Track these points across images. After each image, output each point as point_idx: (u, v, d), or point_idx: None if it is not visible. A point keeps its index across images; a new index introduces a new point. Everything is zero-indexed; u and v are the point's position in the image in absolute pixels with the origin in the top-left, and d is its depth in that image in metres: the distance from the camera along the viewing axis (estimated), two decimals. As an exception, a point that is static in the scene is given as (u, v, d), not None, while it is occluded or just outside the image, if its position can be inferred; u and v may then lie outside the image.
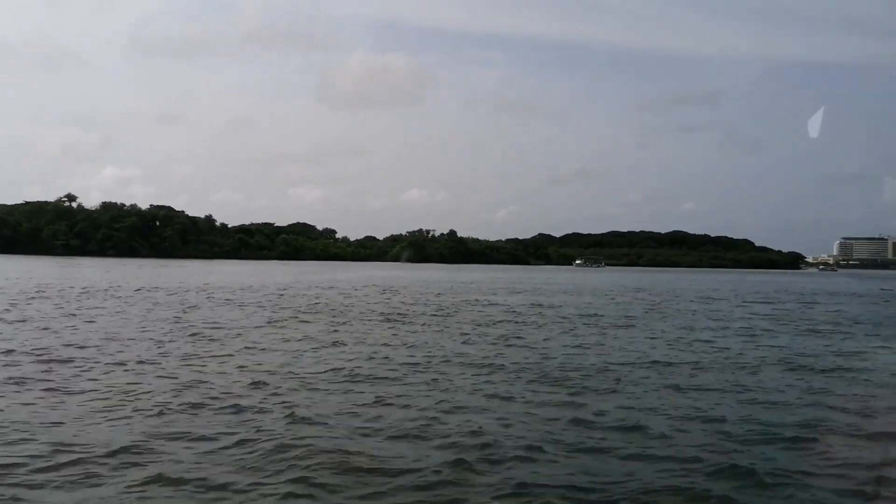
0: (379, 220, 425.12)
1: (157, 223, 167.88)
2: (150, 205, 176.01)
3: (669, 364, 16.79)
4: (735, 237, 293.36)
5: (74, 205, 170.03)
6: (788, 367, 16.81)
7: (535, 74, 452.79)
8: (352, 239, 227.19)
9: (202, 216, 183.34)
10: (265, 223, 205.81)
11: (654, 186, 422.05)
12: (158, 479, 7.74)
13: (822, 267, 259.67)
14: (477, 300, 41.01)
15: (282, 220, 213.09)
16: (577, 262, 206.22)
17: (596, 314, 32.29)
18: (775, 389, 13.85)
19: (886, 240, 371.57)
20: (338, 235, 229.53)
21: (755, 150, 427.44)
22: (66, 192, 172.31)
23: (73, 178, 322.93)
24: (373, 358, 16.78)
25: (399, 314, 29.78)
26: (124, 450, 8.69)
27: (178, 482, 7.69)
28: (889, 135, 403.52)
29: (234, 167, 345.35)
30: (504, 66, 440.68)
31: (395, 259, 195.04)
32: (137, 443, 8.99)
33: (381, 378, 14.10)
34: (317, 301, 36.40)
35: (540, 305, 37.87)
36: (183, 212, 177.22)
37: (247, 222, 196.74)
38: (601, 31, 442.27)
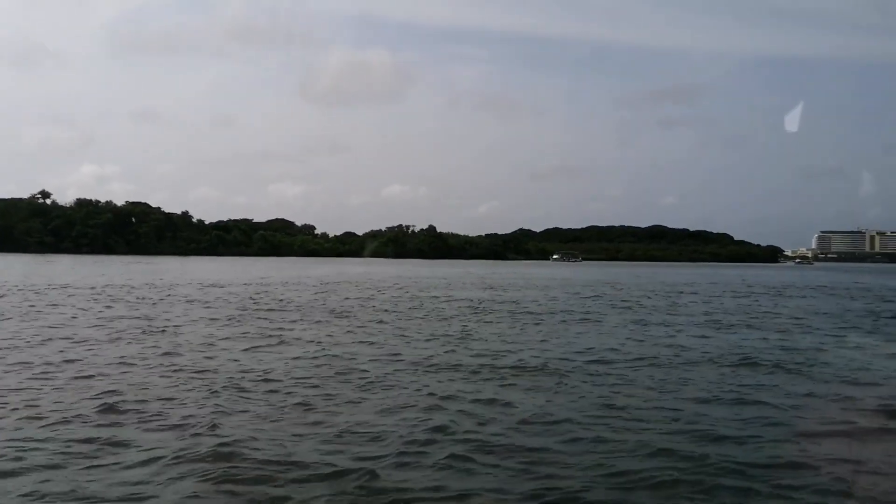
0: (360, 217, 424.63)
1: (133, 220, 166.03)
2: (126, 201, 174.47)
3: (617, 361, 16.39)
4: (714, 231, 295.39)
5: (49, 202, 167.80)
6: (736, 364, 16.41)
7: (516, 71, 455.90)
8: (332, 235, 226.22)
9: (179, 212, 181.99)
10: (243, 219, 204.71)
11: (634, 181, 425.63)
12: (33, 494, 7.23)
13: (798, 260, 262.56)
14: (443, 296, 40.61)
15: (262, 217, 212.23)
16: (555, 256, 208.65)
17: (556, 310, 31.98)
18: (719, 386, 13.50)
19: (864, 233, 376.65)
20: (318, 231, 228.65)
21: (734, 144, 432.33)
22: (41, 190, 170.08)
23: (51, 176, 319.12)
24: (315, 358, 16.23)
25: (357, 310, 29.35)
26: (4, 460, 8.17)
27: (54, 496, 7.17)
28: (866, 130, 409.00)
29: (214, 164, 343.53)
30: (485, 62, 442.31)
31: (375, 255, 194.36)
32: (20, 454, 8.42)
33: (320, 378, 13.58)
34: (279, 298, 35.84)
35: (505, 301, 37.53)
36: (159, 208, 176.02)
37: (225, 219, 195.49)
38: (581, 28, 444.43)
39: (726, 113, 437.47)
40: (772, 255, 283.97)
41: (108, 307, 28.29)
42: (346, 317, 26.59)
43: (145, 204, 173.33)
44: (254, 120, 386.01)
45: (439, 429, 9.92)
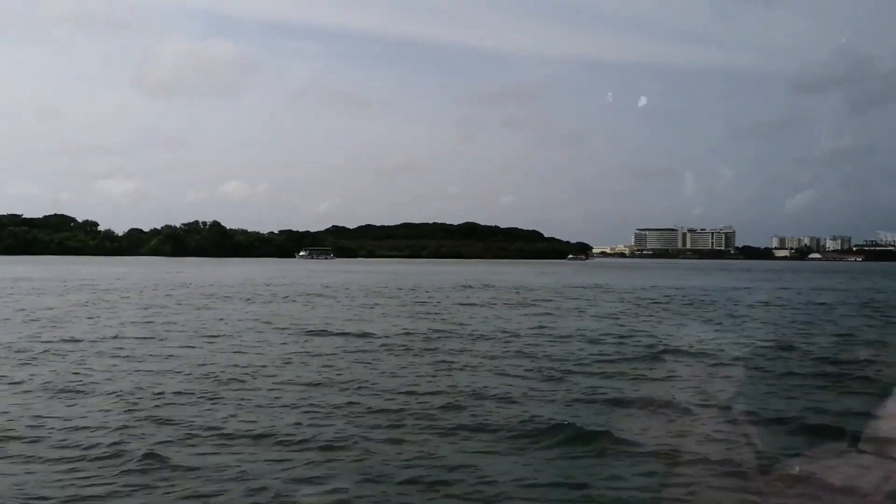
0: (191, 213, 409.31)
1: None
2: None
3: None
4: (525, 228, 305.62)
5: None
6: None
7: (359, 68, 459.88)
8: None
9: None
10: (11, 215, 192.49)
11: (474, 180, 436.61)
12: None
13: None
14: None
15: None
16: (301, 254, 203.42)
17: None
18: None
19: (676, 230, 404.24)
20: (101, 228, 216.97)
21: (569, 144, 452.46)
22: None
23: None
24: None
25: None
26: None
27: None
28: (694, 133, 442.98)
29: (36, 159, 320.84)
30: (325, 58, 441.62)
31: (152, 253, 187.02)
32: None
33: None
34: None
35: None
36: None
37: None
38: (421, 27, 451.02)
39: (564, 114, 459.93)
40: (581, 251, 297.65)
41: None
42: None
43: None
44: (83, 111, 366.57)
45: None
